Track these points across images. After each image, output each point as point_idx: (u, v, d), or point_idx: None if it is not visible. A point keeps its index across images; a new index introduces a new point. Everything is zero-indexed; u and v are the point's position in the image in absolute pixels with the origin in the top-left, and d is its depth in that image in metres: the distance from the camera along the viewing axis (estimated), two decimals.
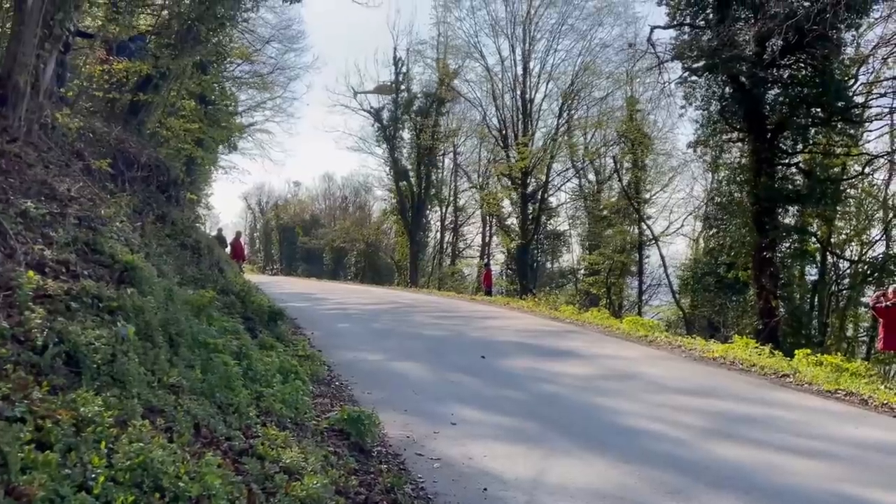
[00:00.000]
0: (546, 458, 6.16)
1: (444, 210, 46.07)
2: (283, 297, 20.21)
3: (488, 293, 27.44)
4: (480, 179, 43.27)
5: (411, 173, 42.25)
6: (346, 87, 54.67)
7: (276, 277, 37.66)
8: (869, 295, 21.31)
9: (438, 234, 46.59)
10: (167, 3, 13.79)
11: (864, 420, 7.84)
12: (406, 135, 42.70)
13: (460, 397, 8.46)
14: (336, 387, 8.75)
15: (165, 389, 4.75)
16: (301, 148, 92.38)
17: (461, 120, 42.08)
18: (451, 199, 45.93)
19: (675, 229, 36.08)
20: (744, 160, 22.76)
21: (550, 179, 36.99)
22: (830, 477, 5.82)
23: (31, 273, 4.72)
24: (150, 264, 6.44)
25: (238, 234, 31.46)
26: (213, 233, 34.89)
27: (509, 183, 36.79)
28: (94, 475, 3.27)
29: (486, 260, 37.96)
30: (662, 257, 32.31)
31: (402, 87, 41.97)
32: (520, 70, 36.50)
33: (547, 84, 36.57)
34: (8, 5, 9.45)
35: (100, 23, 12.80)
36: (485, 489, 5.32)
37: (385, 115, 42.24)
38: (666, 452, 6.43)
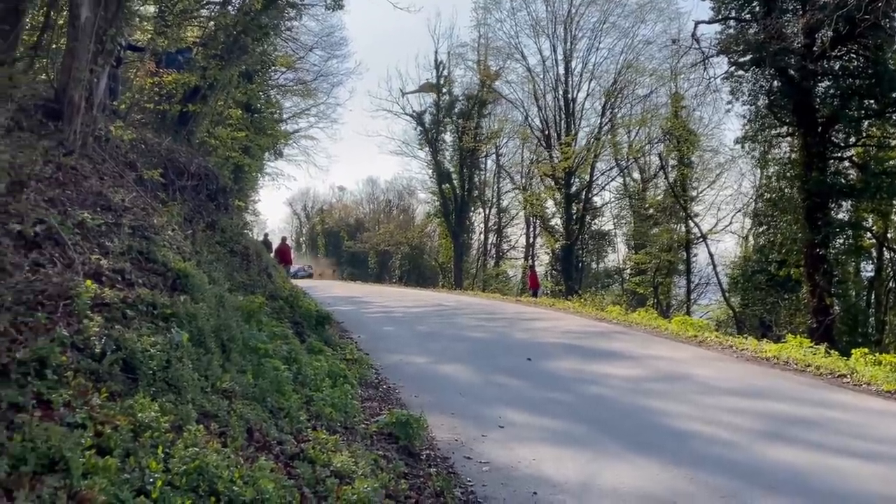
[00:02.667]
0: (595, 461, 6.10)
1: (487, 212, 46.04)
2: (329, 301, 20.47)
3: (534, 294, 27.27)
4: (523, 180, 43.12)
5: (454, 175, 42.31)
6: (388, 91, 55.19)
7: (321, 281, 38.09)
8: None
9: (482, 236, 46.57)
10: (213, 15, 14.10)
11: None
12: (448, 137, 42.84)
13: (507, 400, 8.43)
14: (384, 390, 8.81)
15: (218, 394, 4.85)
16: (345, 153, 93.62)
17: (503, 121, 42.00)
18: (495, 200, 45.87)
19: (724, 227, 35.38)
20: (794, 155, 22.18)
21: (594, 178, 36.67)
22: (891, 481, 5.61)
23: (88, 282, 4.88)
24: (201, 271, 6.59)
25: (284, 239, 31.90)
26: (260, 238, 35.73)
27: (552, 183, 36.54)
28: (151, 479, 3.35)
29: (530, 261, 37.77)
30: (711, 255, 31.70)
31: (444, 89, 42.09)
32: (561, 69, 36.33)
33: (589, 83, 36.30)
34: (62, 22, 9.80)
35: (149, 36, 13.16)
36: (534, 493, 5.29)
37: (427, 118, 42.45)
38: (718, 455, 6.30)
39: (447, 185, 41.90)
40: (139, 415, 3.84)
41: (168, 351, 4.64)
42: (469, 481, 5.52)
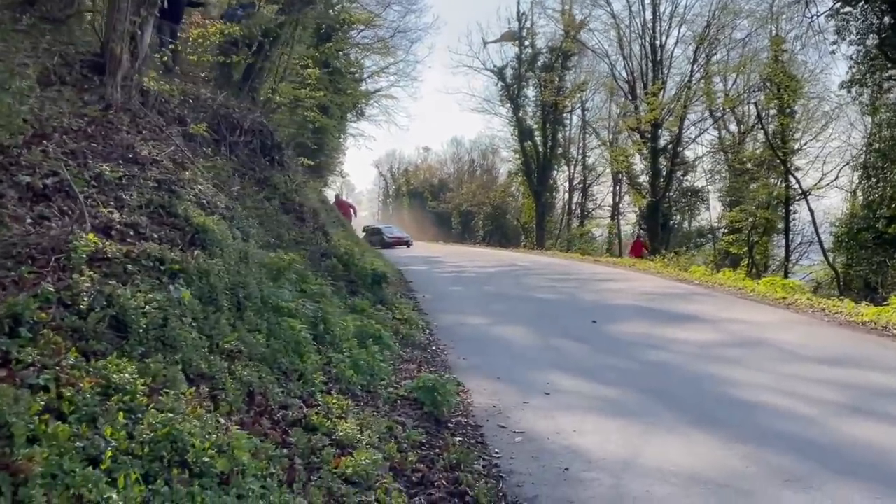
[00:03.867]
0: (644, 435, 5.49)
1: (571, 170, 44.61)
2: (405, 261, 20.34)
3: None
4: (610, 136, 41.32)
5: (536, 133, 41.09)
6: (468, 46, 53.98)
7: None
8: None
9: (566, 195, 45.23)
10: None
11: None
12: (531, 93, 41.50)
13: (560, 365, 7.87)
14: (432, 351, 8.44)
15: (220, 355, 4.56)
16: (429, 113, 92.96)
17: (588, 74, 40.23)
18: (580, 157, 44.37)
19: (829, 182, 32.66)
20: None
21: (685, 131, 34.59)
22: None
23: (91, 236, 4.65)
24: (228, 227, 6.33)
25: (337, 196, 32.84)
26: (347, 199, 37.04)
27: (638, 137, 34.80)
28: (106, 448, 3.06)
29: (636, 231, 36.17)
30: (811, 211, 29.33)
31: (526, 42, 40.72)
32: (649, 14, 34.19)
33: (679, 28, 33.99)
34: None
35: None
36: (566, 469, 4.76)
37: (509, 73, 41.25)
38: (789, 432, 5.55)
39: (529, 142, 40.76)
40: (113, 376, 3.56)
41: (166, 308, 4.36)
42: (496, 453, 5.05)
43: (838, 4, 19.68)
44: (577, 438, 5.41)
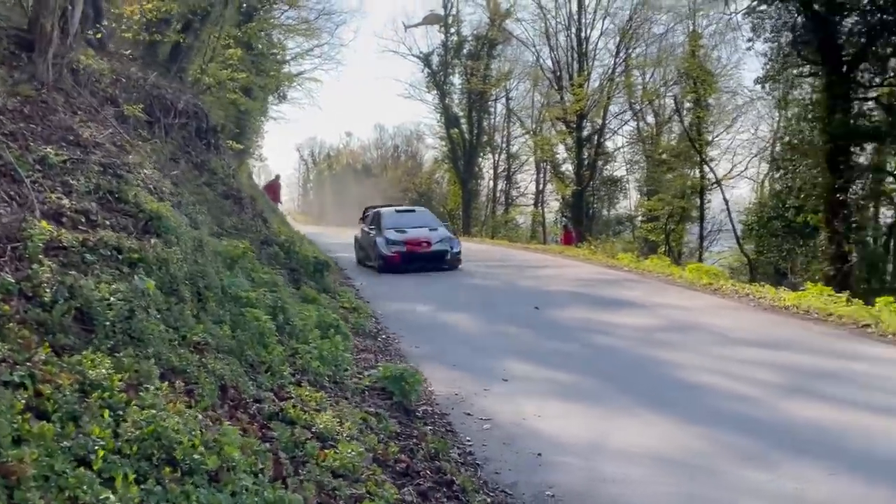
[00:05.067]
0: (605, 418, 5.66)
1: (496, 157, 45.03)
2: (333, 248, 20.05)
3: None
4: (534, 125, 41.97)
5: (462, 120, 41.27)
6: (393, 31, 53.49)
7: (329, 228, 37.57)
8: None
9: (491, 182, 45.67)
10: None
11: None
12: (457, 80, 41.62)
13: (512, 351, 8.00)
14: (383, 340, 8.40)
15: (189, 348, 4.39)
16: (352, 98, 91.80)
17: (514, 63, 40.64)
18: (504, 145, 44.82)
19: (739, 172, 34.40)
20: (816, 96, 21.14)
21: (607, 122, 35.54)
22: None
23: (44, 223, 4.38)
24: (178, 213, 6.08)
25: (277, 177, 31.12)
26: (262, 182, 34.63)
27: (564, 127, 35.50)
28: (96, 448, 2.91)
29: (559, 219, 36.70)
30: (726, 201, 30.76)
31: (452, 29, 40.72)
32: (574, 6, 34.81)
33: (603, 21, 34.79)
34: None
35: None
36: (539, 454, 4.85)
37: (435, 59, 41.18)
38: (737, 412, 5.84)
39: (455, 129, 40.91)
40: (89, 372, 3.38)
41: (131, 300, 4.16)
42: (468, 441, 5.09)
43: (755, 2, 20.60)
44: (543, 423, 5.52)
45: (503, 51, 40.53)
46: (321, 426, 4.11)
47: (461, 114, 41.37)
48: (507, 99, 42.69)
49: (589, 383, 6.69)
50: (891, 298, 10.80)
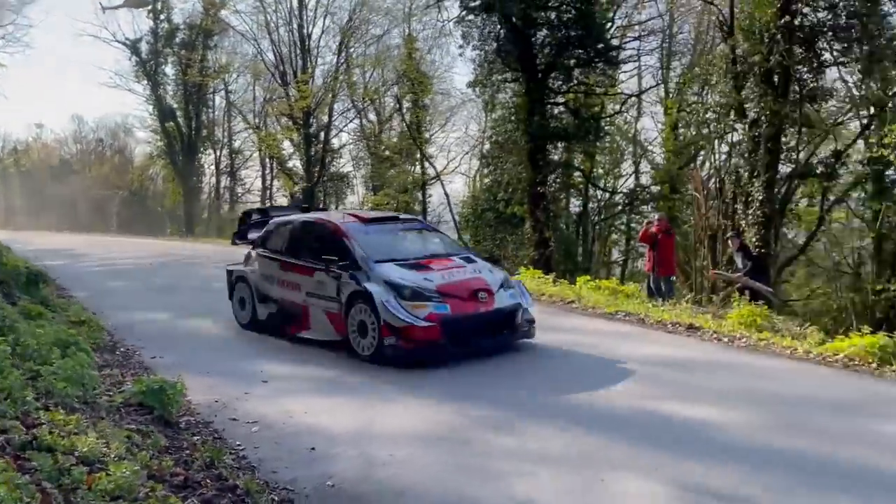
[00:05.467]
0: (366, 408, 5.98)
1: (218, 153, 43.11)
2: (36, 255, 17.74)
3: None
4: (257, 120, 40.88)
5: (179, 113, 38.79)
6: (95, 14, 48.17)
7: (21, 233, 32.78)
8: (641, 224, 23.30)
9: (214, 179, 43.65)
10: None
11: (646, 338, 8.62)
12: (170, 70, 38.97)
13: (267, 353, 7.97)
14: (122, 354, 7.81)
15: None
16: (45, 86, 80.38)
17: (232, 55, 39.12)
18: (226, 140, 43.06)
19: (454, 168, 37.28)
20: (518, 100, 23.70)
21: (333, 119, 36.04)
22: (634, 395, 6.26)
23: None
24: None
25: None
26: None
27: (290, 123, 35.22)
28: None
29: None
30: (447, 194, 33.20)
31: (162, 16, 38.00)
32: (295, 2, 34.63)
33: (325, 19, 35.08)
34: None
35: None
36: (313, 448, 4.99)
37: (144, 47, 38.07)
38: (476, 389, 6.52)
39: (171, 123, 38.28)
40: None
41: None
42: (238, 445, 5.04)
43: (464, 12, 22.48)
44: (310, 419, 5.66)
45: (220, 42, 38.90)
46: (84, 449, 3.80)
47: (177, 106, 38.88)
48: (227, 92, 41.07)
49: (352, 380, 6.94)
50: (588, 277, 12.75)
